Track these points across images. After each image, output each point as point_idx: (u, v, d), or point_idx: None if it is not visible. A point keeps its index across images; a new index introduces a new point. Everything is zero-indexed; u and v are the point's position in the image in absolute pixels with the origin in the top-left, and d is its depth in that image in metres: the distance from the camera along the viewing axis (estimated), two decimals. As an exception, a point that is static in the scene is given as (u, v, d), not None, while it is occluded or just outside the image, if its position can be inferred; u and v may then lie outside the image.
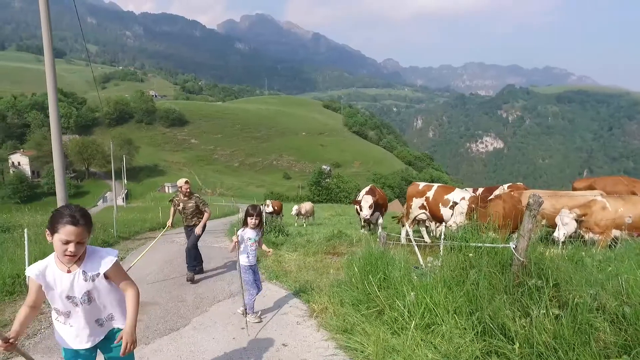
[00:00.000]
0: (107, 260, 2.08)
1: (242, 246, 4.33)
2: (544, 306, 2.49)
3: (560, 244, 5.47)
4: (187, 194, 6.75)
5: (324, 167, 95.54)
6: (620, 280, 2.66)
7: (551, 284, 2.65)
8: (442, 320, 2.84)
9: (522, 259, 2.86)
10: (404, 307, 3.12)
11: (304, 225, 17.06)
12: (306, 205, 18.36)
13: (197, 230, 6.57)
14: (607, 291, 2.61)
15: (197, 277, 6.52)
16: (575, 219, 5.61)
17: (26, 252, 5.89)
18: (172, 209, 6.94)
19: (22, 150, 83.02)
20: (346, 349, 3.26)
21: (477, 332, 2.67)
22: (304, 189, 77.76)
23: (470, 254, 3.24)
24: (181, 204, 6.78)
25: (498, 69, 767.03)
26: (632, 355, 2.10)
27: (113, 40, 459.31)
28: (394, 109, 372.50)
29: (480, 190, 10.69)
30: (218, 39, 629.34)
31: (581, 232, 6.01)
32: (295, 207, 18.47)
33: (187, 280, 6.29)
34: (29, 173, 77.74)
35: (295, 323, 4.14)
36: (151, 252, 8.01)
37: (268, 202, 18.75)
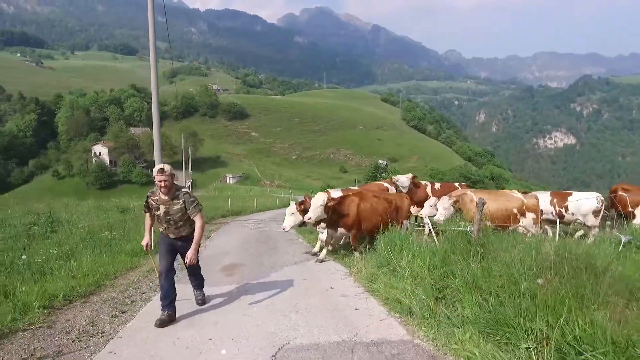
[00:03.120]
0: None
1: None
2: (478, 260, 3.92)
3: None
4: (167, 189, 4.21)
5: (381, 161, 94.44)
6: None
7: (487, 250, 4.16)
8: (424, 271, 4.30)
9: (475, 236, 4.46)
10: (405, 265, 4.68)
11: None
12: None
13: (192, 255, 4.29)
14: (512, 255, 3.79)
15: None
16: (452, 205, 6.81)
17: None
18: (147, 218, 4.49)
19: (102, 141, 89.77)
20: (369, 290, 4.98)
21: (439, 275, 4.08)
22: (360, 183, 77.47)
23: (447, 234, 4.96)
24: (161, 208, 4.30)
25: (573, 58, 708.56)
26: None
27: (180, 36, 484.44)
28: (455, 103, 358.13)
29: (438, 185, 11.54)
30: (278, 33, 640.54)
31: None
32: None
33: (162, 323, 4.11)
34: (108, 162, 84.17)
35: (339, 278, 5.79)
36: (228, 235, 10.20)
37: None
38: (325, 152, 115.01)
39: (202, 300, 4.71)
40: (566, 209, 8.26)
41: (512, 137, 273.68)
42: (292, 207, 7.24)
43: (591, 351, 2.04)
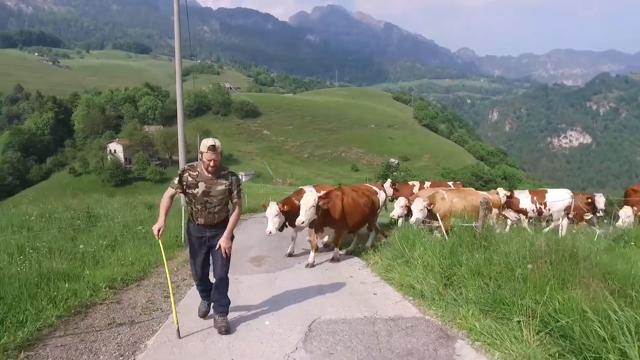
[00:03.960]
0: None
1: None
2: (482, 251, 4.47)
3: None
4: (215, 168, 3.77)
5: (392, 160, 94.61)
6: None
7: (489, 242, 4.77)
8: (434, 261, 4.83)
9: (480, 231, 5.05)
10: (417, 256, 5.22)
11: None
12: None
13: (226, 244, 3.86)
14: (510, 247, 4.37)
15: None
16: (426, 207, 7.06)
17: (183, 216, 8.72)
18: (166, 200, 3.85)
19: (117, 139, 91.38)
20: (385, 278, 5.48)
21: (448, 264, 4.65)
22: (372, 182, 77.78)
23: (455, 229, 5.54)
24: (200, 186, 3.77)
25: (590, 55, 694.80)
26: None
27: (192, 35, 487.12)
28: (468, 101, 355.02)
29: (428, 184, 12.19)
30: (290, 31, 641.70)
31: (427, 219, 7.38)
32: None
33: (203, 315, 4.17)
34: (123, 160, 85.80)
35: (358, 269, 6.25)
36: (249, 230, 10.85)
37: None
38: (336, 151, 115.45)
39: (226, 328, 3.75)
40: (545, 205, 9.03)
41: (526, 136, 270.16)
42: (275, 208, 6.65)
43: (566, 320, 2.62)
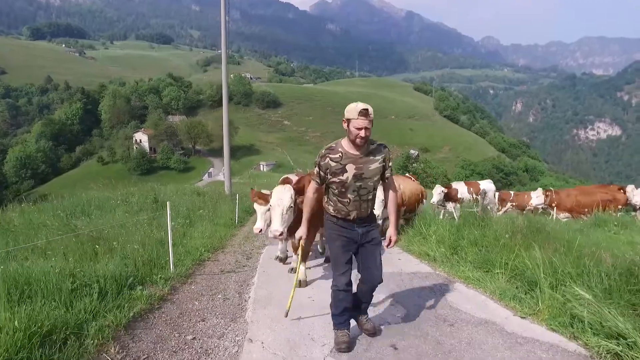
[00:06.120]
0: None
1: None
2: (480, 229, 5.76)
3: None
4: (364, 140, 2.89)
5: (412, 151, 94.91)
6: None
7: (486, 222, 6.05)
8: (443, 236, 6.17)
9: (479, 214, 6.61)
10: (432, 232, 6.53)
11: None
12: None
13: (394, 236, 3.18)
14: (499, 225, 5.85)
15: None
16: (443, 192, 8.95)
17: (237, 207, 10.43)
18: (310, 199, 3.21)
19: (142, 129, 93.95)
20: (406, 250, 6.60)
21: (455, 238, 5.97)
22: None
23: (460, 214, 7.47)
24: (349, 169, 2.94)
25: (624, 42, 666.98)
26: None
27: (213, 25, 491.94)
28: (491, 92, 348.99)
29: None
30: (310, 20, 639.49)
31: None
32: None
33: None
34: (148, 149, 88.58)
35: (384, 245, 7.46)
36: None
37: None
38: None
39: (374, 329, 3.27)
40: (477, 193, 10.84)
41: (551, 128, 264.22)
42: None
43: (528, 270, 4.07)
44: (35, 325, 2.56)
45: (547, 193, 9.80)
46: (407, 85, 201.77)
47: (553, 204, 9.59)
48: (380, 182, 3.11)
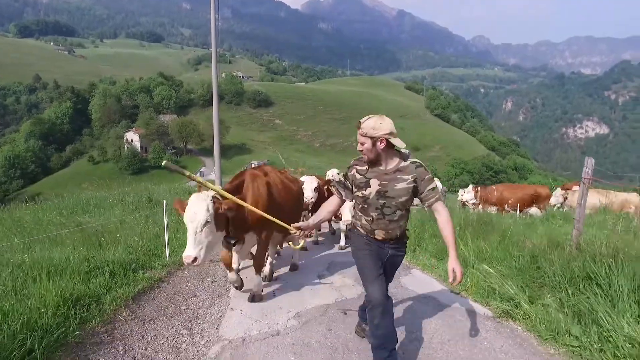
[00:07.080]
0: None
1: None
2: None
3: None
4: (368, 156, 2.74)
5: (403, 150, 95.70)
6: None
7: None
8: (410, 231, 7.01)
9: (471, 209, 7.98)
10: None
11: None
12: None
13: (459, 269, 2.63)
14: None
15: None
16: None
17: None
18: (326, 211, 3.03)
19: (134, 128, 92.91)
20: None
21: (419, 232, 6.57)
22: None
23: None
24: (373, 184, 2.75)
25: (611, 42, 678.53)
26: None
27: (204, 23, 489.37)
28: (482, 90, 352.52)
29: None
30: (302, 19, 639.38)
31: None
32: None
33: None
34: (139, 149, 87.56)
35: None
36: None
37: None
38: (348, 140, 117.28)
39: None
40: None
41: (540, 127, 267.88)
42: None
43: (479, 255, 4.85)
44: (67, 294, 3.40)
45: (477, 189, 11.13)
46: (398, 84, 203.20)
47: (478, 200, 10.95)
48: (430, 200, 2.69)
